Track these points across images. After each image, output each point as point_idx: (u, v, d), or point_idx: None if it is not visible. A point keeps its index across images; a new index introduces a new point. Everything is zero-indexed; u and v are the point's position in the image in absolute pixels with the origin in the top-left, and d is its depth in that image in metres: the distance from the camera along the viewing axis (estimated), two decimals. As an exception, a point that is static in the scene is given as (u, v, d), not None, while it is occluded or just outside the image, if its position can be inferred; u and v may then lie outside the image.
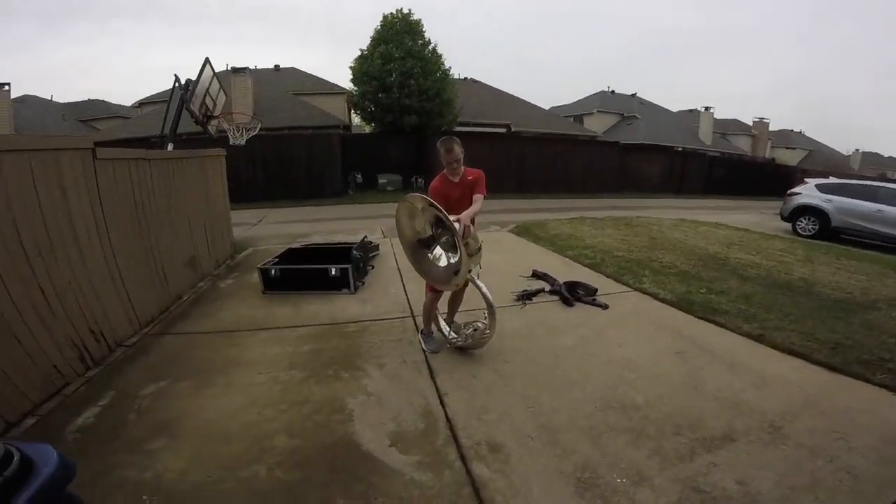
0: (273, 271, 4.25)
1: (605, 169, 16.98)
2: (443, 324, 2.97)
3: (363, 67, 14.56)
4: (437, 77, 14.81)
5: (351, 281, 4.12)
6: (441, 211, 2.21)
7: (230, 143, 5.67)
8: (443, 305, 3.04)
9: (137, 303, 3.49)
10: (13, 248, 2.46)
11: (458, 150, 2.53)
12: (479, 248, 2.52)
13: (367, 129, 18.02)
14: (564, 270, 4.88)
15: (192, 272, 4.73)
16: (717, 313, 3.53)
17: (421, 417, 2.14)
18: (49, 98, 24.39)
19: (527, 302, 3.84)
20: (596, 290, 4.04)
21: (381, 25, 15.02)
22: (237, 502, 1.65)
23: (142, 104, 20.70)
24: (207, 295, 4.39)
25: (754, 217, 11.38)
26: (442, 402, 2.27)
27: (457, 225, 2.27)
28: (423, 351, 2.85)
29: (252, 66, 20.26)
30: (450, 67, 15.55)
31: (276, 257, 4.70)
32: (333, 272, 4.13)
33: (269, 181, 13.64)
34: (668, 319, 3.46)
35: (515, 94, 22.96)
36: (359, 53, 15.07)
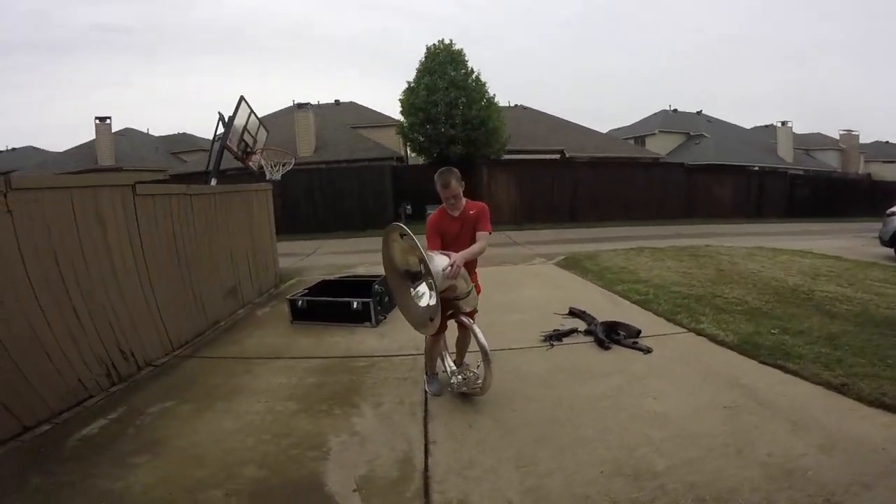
0: (300, 302, 4.33)
1: (670, 193, 15.92)
2: (449, 364, 2.77)
3: (410, 99, 15.17)
4: (481, 106, 15.03)
5: (372, 314, 4.07)
6: (416, 246, 2.07)
7: (267, 178, 6.02)
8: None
9: (172, 327, 3.68)
10: (52, 275, 2.70)
11: (456, 184, 2.36)
12: (470, 292, 2.35)
13: (422, 161, 18.58)
14: (607, 308, 4.49)
15: (232, 300, 4.95)
16: (790, 358, 2.99)
17: (398, 465, 1.98)
18: (146, 131, 27.45)
19: (554, 343, 3.52)
20: (639, 331, 3.62)
21: (425, 57, 15.65)
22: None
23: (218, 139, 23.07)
24: (243, 322, 4.57)
25: (847, 242, 9.92)
26: (426, 451, 2.09)
27: (441, 259, 2.12)
28: (426, 392, 2.68)
29: (315, 102, 22.05)
30: (494, 95, 15.75)
31: (307, 289, 4.80)
32: (355, 305, 4.11)
33: (325, 213, 14.43)
34: (723, 366, 2.98)
35: (569, 119, 22.67)
36: (406, 86, 15.71)
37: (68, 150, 22.67)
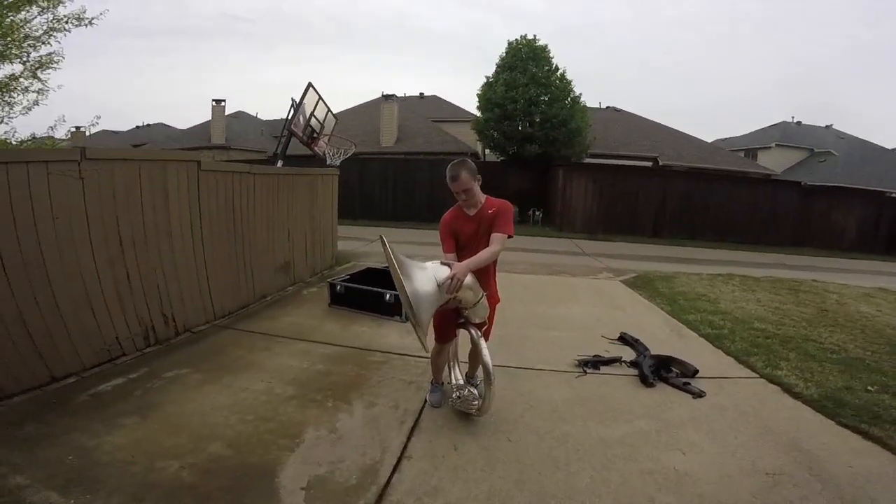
0: (339, 287, 4.44)
1: (778, 216, 13.89)
2: (457, 377, 2.62)
3: (487, 94, 14.96)
4: (564, 104, 14.37)
5: (403, 309, 4.04)
6: (393, 264, 1.79)
7: (327, 163, 6.26)
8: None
9: (217, 296, 3.98)
10: (111, 237, 3.02)
11: (467, 177, 2.12)
12: (479, 302, 2.12)
13: (494, 158, 18.37)
14: (669, 339, 4.01)
15: (283, 276, 5.25)
16: (879, 422, 2.43)
17: (360, 473, 1.90)
18: (255, 115, 29.94)
19: (588, 370, 3.20)
20: (696, 371, 3.16)
21: (506, 52, 15.31)
22: (124, 485, 1.73)
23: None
24: (287, 299, 4.81)
25: None
26: (396, 465, 1.97)
27: (438, 271, 1.94)
28: (425, 401, 2.57)
29: (401, 94, 22.78)
30: (580, 95, 15.00)
31: (350, 275, 4.92)
32: (388, 297, 4.10)
33: (397, 202, 14.83)
34: (787, 423, 2.48)
35: (668, 125, 20.88)
36: (484, 80, 15.51)
37: (188, 129, 25.76)
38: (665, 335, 4.14)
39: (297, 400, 2.53)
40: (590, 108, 16.38)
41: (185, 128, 26.58)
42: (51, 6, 7.58)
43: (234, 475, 1.84)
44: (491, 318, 2.36)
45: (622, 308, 5.10)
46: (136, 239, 3.19)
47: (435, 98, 24.53)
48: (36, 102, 8.26)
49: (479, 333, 2.20)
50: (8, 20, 7.29)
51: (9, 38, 7.37)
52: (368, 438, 2.18)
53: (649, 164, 17.87)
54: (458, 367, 2.68)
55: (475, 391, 2.34)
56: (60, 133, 9.11)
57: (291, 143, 5.25)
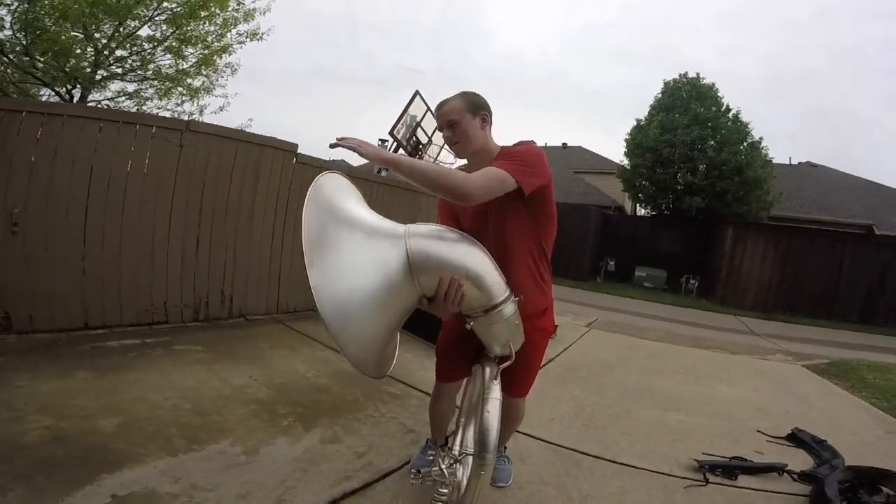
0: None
1: None
2: (466, 442, 1.67)
3: (637, 138, 13.58)
4: (737, 149, 12.23)
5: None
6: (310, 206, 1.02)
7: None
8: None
9: (285, 291, 3.97)
10: (192, 201, 3.22)
11: (457, 104, 1.40)
12: (496, 307, 1.21)
13: (641, 212, 16.64)
14: (880, 444, 2.70)
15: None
16: None
17: None
18: None
19: (714, 478, 2.11)
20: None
21: (661, 93, 13.88)
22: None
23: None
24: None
25: None
26: None
27: (417, 228, 1.15)
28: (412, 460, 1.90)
29: (542, 144, 22.90)
30: (760, 139, 12.61)
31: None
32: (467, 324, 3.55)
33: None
34: None
35: (888, 184, 16.42)
36: (634, 124, 14.20)
37: (360, 166, 29.92)
38: (874, 437, 2.83)
39: (257, 406, 2.27)
40: (776, 164, 13.83)
41: (356, 164, 31.05)
42: (232, 25, 9.83)
43: (78, 455, 1.64)
44: (534, 356, 1.53)
45: (799, 397, 3.64)
46: (216, 211, 3.36)
47: (578, 149, 24.01)
48: (221, 107, 10.63)
49: (497, 372, 1.35)
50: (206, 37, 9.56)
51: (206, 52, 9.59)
52: (277, 479, 1.66)
53: (862, 232, 14.03)
54: (475, 427, 1.78)
55: (451, 469, 1.35)
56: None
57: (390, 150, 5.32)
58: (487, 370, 1.35)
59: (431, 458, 1.60)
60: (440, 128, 1.45)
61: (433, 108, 1.53)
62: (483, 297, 1.18)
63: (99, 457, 1.63)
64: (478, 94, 1.45)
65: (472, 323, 1.26)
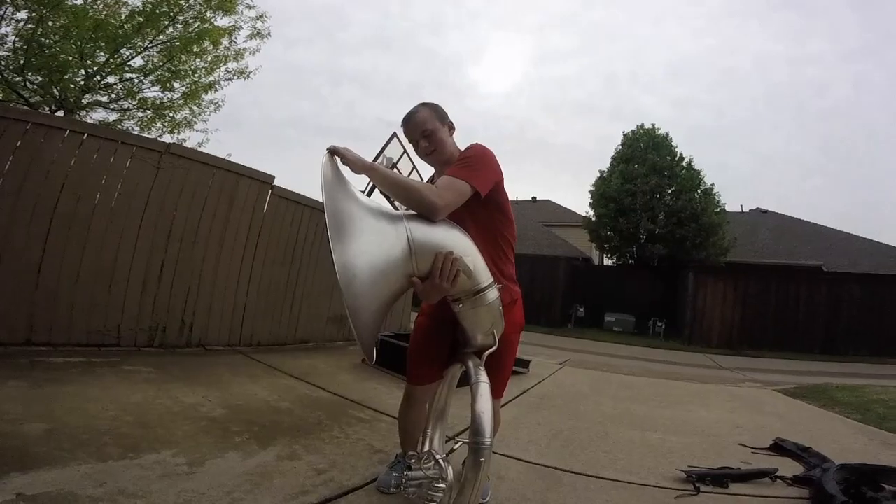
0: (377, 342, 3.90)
1: None
2: (434, 446, 1.51)
3: (601, 189, 14.23)
4: (692, 196, 12.97)
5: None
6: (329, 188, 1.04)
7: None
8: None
9: (249, 322, 3.74)
10: (162, 224, 3.09)
11: (427, 114, 1.43)
12: (483, 293, 1.20)
13: (608, 262, 17.09)
14: (867, 449, 2.68)
15: (335, 328, 4.89)
16: None
17: None
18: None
19: (705, 488, 2.00)
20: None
21: (621, 144, 14.73)
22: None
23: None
24: (329, 350, 4.39)
25: None
26: None
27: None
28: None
29: (513, 199, 23.67)
30: (712, 185, 13.45)
31: (397, 334, 4.36)
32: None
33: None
34: None
35: (834, 227, 17.61)
36: (598, 175, 14.94)
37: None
38: (860, 445, 2.78)
39: (209, 423, 2.07)
40: (729, 212, 14.70)
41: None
42: (222, 62, 10.00)
43: (29, 456, 1.49)
44: (508, 351, 1.47)
45: (774, 415, 3.62)
46: (185, 236, 3.23)
47: (547, 202, 24.88)
48: (200, 143, 10.41)
49: (481, 363, 1.25)
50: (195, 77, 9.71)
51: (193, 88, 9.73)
52: (222, 491, 1.46)
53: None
54: (441, 432, 1.61)
55: (445, 466, 1.19)
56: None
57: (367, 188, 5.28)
58: (471, 362, 1.26)
59: (399, 470, 1.42)
60: (414, 140, 1.46)
61: (401, 130, 1.50)
62: (471, 280, 1.18)
63: (14, 457, 1.44)
64: (439, 105, 1.49)
65: (459, 307, 1.22)
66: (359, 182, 1.31)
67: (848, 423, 3.43)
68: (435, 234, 1.12)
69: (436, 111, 1.45)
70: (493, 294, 1.21)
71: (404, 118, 1.45)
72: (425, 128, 1.40)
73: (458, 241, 1.15)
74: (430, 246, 1.09)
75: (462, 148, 1.43)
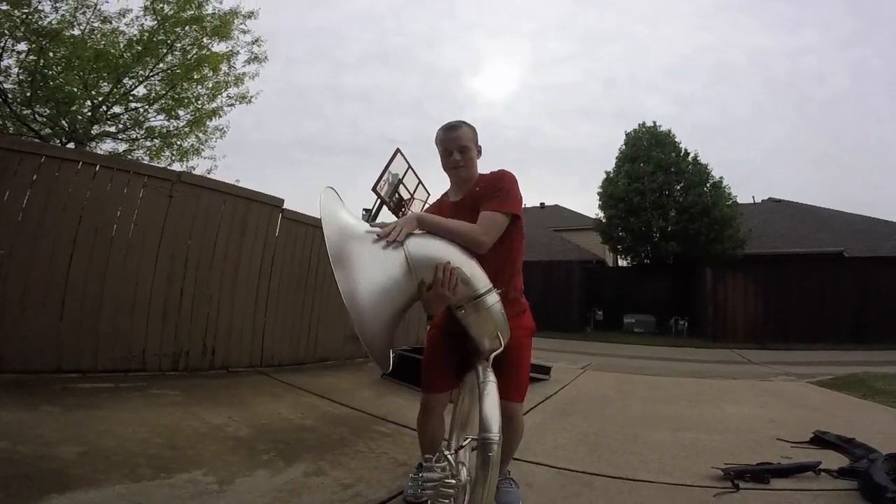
0: (394, 356, 3.87)
1: None
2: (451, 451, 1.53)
3: (608, 191, 14.08)
4: (702, 191, 12.75)
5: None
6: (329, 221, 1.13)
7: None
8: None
9: (270, 344, 3.75)
10: (178, 252, 3.14)
11: (468, 131, 1.51)
12: (482, 298, 1.26)
13: (622, 263, 16.85)
14: None
15: (354, 345, 4.85)
16: None
17: None
18: None
19: (745, 485, 1.91)
20: None
21: (624, 144, 14.57)
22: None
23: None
24: (349, 367, 4.39)
25: None
26: None
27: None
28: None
29: (522, 206, 23.53)
30: (721, 178, 13.21)
31: (415, 348, 4.33)
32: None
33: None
34: None
35: (851, 211, 17.10)
36: (604, 176, 14.77)
37: None
38: None
39: (236, 442, 2.09)
40: (741, 204, 14.44)
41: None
42: (223, 88, 10.26)
43: (29, 474, 1.52)
44: (522, 353, 1.52)
45: (810, 408, 3.49)
46: (201, 263, 3.27)
47: (556, 207, 24.73)
48: (209, 170, 10.65)
49: (488, 364, 1.30)
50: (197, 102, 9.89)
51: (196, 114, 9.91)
52: None
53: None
54: (458, 436, 1.61)
55: (456, 465, 1.17)
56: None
57: (375, 206, 5.33)
58: (479, 364, 1.32)
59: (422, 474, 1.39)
60: (447, 150, 1.52)
61: (438, 135, 1.56)
62: (469, 287, 1.25)
63: (52, 479, 1.48)
64: (471, 127, 1.59)
65: (462, 313, 1.30)
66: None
67: (892, 411, 3.27)
68: (431, 248, 1.21)
69: (475, 133, 1.56)
70: (492, 298, 1.28)
71: (447, 125, 1.54)
72: (464, 144, 1.50)
73: (453, 253, 1.23)
74: (428, 260, 1.18)
75: (481, 170, 1.56)
